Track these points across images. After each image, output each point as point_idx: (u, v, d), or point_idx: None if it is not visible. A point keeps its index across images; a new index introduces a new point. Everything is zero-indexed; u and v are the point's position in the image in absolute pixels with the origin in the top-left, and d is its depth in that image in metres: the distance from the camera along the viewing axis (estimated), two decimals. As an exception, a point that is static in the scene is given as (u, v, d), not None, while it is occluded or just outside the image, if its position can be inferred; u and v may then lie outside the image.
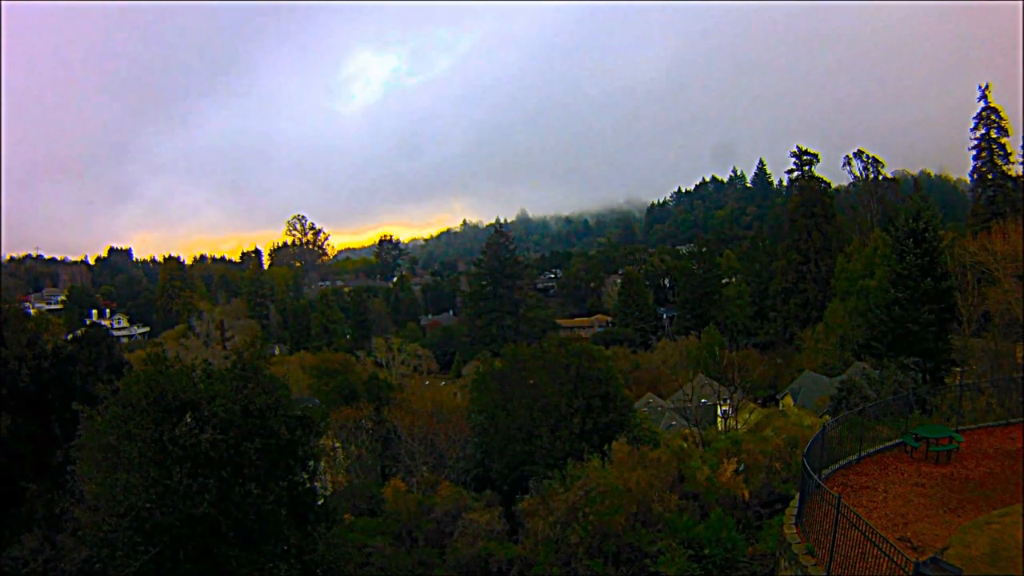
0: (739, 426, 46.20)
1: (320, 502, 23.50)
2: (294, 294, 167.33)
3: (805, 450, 17.85)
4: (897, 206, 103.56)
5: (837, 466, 19.12)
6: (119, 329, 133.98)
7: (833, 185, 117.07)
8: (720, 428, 49.16)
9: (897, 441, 20.92)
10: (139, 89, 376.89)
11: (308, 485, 22.10)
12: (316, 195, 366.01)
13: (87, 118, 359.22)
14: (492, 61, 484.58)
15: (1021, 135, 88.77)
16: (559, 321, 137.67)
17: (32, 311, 77.19)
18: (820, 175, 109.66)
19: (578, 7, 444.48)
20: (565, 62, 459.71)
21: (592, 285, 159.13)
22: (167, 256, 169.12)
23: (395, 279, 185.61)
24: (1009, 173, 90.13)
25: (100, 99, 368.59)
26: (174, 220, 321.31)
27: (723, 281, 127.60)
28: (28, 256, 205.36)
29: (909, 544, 13.96)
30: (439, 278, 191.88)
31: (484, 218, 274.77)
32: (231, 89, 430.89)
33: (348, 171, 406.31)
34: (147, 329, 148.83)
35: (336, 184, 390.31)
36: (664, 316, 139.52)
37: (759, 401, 67.81)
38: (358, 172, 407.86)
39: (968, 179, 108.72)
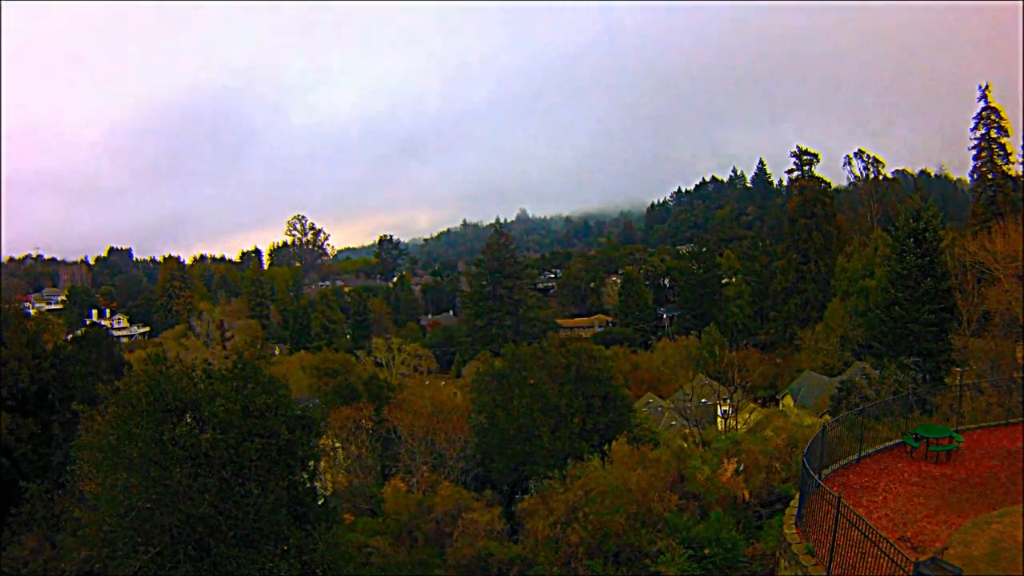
0: (739, 426, 46.21)
1: (320, 502, 23.52)
2: (294, 294, 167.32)
3: (805, 450, 17.85)
4: (897, 206, 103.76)
5: (837, 466, 19.12)
6: (119, 329, 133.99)
7: (833, 185, 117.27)
8: (720, 428, 49.14)
9: (897, 441, 20.92)
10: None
11: (308, 485, 22.12)
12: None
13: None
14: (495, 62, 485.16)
15: (1021, 135, 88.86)
16: (559, 321, 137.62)
17: (32, 311, 77.20)
18: (820, 175, 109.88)
19: (587, 7, 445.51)
20: (566, 63, 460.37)
21: (592, 285, 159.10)
22: (167, 256, 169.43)
23: (395, 279, 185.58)
24: (1009, 173, 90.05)
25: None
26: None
27: (723, 281, 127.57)
28: (28, 256, 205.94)
29: (909, 544, 13.96)
30: (439, 278, 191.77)
31: (484, 218, 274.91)
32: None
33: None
34: (147, 329, 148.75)
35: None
36: (664, 316, 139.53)
37: (759, 401, 67.83)
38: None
39: (968, 179, 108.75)
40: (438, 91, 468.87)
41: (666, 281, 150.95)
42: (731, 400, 51.18)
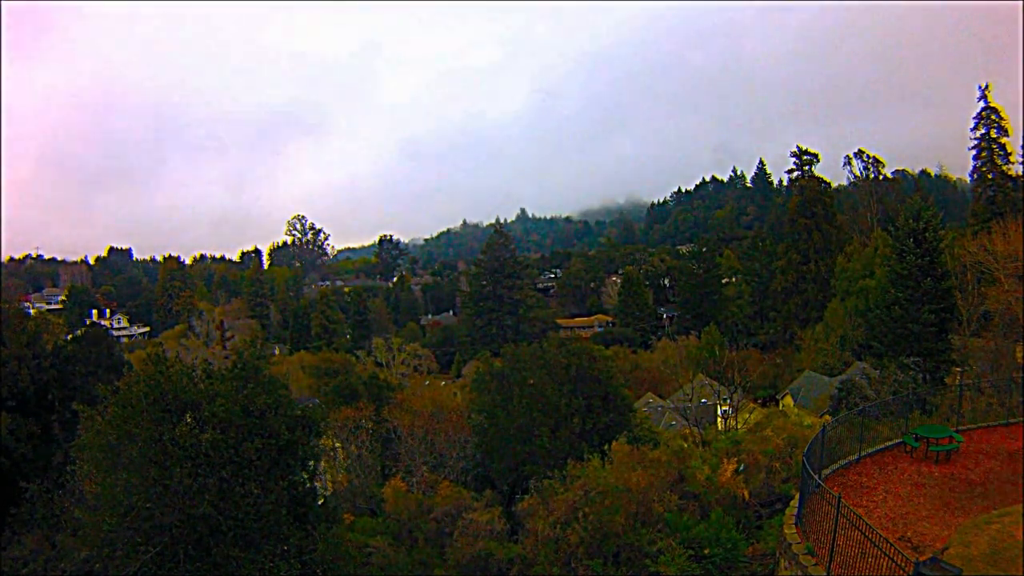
0: (739, 426, 46.14)
1: (320, 502, 23.54)
2: (294, 294, 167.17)
3: (805, 450, 17.85)
4: (897, 206, 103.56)
5: (837, 466, 19.12)
6: (119, 329, 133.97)
7: (833, 185, 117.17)
8: (720, 428, 49.10)
9: (897, 441, 20.92)
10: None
11: (308, 485, 22.13)
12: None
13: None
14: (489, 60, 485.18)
15: (1021, 135, 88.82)
16: (559, 321, 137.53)
17: (32, 311, 77.15)
18: (820, 175, 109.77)
19: (578, 7, 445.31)
20: (564, 63, 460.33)
21: (592, 285, 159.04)
22: (167, 256, 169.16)
23: (395, 279, 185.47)
24: (1009, 173, 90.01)
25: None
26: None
27: (723, 281, 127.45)
28: (28, 256, 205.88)
29: (909, 544, 13.95)
30: (439, 278, 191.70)
31: (484, 218, 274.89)
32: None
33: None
34: (147, 329, 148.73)
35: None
36: (664, 316, 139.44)
37: (759, 401, 67.78)
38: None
39: (968, 179, 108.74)
40: (438, 92, 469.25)
41: (666, 281, 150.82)
42: (731, 400, 51.12)
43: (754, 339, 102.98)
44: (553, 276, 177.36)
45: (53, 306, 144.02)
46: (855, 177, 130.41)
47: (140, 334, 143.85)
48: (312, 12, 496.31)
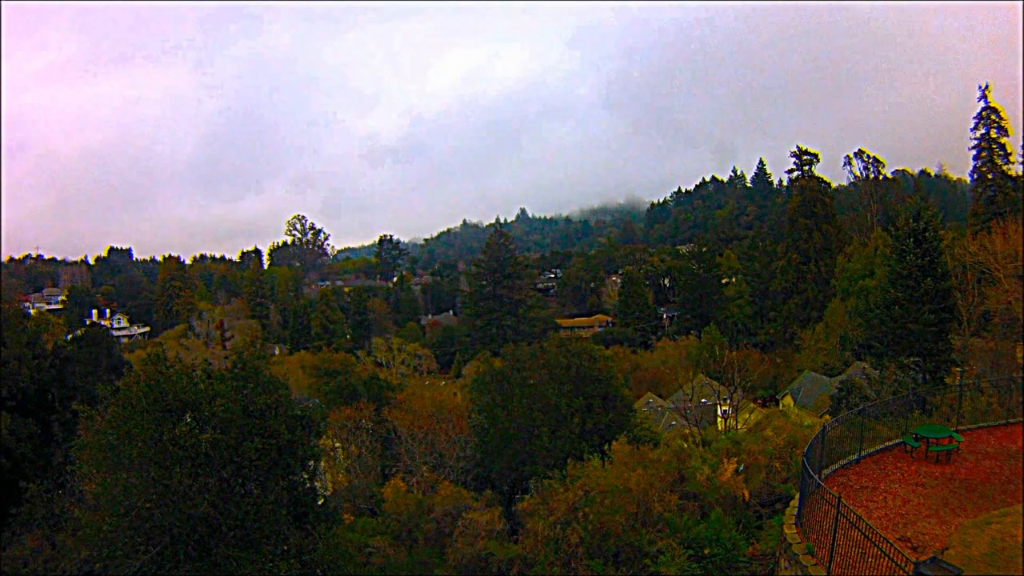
0: (739, 426, 46.15)
1: (320, 502, 23.51)
2: (294, 294, 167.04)
3: (805, 450, 17.86)
4: (897, 206, 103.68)
5: (837, 466, 19.13)
6: (119, 329, 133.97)
7: (833, 185, 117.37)
8: (720, 428, 49.12)
9: (897, 441, 20.93)
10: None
11: (308, 485, 22.10)
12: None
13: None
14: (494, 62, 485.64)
15: (1021, 135, 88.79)
16: (559, 321, 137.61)
17: (32, 311, 77.28)
18: (820, 175, 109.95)
19: (579, 6, 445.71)
20: (565, 61, 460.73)
21: (592, 285, 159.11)
22: (167, 256, 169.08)
23: (395, 279, 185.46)
24: (1009, 173, 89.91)
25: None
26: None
27: (723, 281, 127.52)
28: (28, 256, 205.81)
29: (909, 544, 13.96)
30: (439, 278, 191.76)
31: (484, 218, 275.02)
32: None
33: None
34: (147, 329, 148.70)
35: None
36: (664, 316, 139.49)
37: (759, 401, 67.85)
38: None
39: (968, 179, 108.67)
40: (438, 92, 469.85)
41: (666, 281, 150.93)
42: (731, 400, 51.13)
43: (754, 339, 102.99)
44: (553, 276, 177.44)
45: (53, 306, 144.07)
46: (855, 177, 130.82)
47: (140, 334, 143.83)
48: (313, 10, 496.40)
